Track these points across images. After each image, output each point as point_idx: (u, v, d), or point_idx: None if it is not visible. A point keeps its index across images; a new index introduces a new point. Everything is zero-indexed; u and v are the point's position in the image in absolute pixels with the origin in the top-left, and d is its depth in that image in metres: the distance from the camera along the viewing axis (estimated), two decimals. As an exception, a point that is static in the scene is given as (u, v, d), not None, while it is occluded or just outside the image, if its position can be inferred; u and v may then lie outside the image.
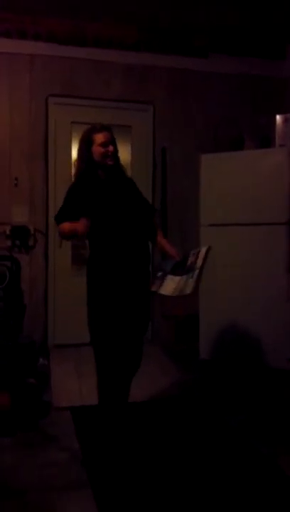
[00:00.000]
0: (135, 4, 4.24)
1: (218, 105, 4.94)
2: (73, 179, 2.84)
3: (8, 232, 4.49)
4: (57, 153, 4.71)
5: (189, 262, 2.64)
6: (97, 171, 2.71)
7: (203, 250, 2.64)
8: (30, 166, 4.60)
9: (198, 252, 2.65)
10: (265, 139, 4.29)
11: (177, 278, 2.62)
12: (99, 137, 2.69)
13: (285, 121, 4.13)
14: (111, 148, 2.70)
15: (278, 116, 4.13)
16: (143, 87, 4.83)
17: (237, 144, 4.49)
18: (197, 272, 2.56)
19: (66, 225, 2.62)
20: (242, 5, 4.20)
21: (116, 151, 2.75)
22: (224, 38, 4.89)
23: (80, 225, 2.50)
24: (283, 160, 3.95)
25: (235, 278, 4.07)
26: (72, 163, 4.77)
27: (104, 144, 2.68)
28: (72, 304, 4.52)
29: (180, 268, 2.66)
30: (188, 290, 2.52)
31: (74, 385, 3.69)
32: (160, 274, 2.72)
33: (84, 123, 4.85)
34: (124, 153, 4.17)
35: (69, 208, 2.67)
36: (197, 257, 2.62)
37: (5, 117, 4.54)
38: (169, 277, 2.66)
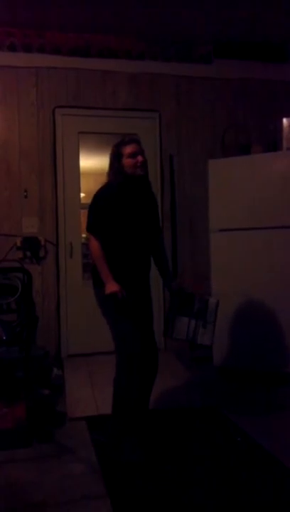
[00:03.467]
0: (138, 14, 4.26)
1: (224, 110, 4.94)
2: (102, 187, 2.88)
3: (19, 243, 4.52)
4: (66, 163, 4.74)
5: (196, 307, 2.87)
6: (128, 183, 2.78)
7: (213, 304, 2.88)
8: (39, 177, 4.62)
9: (206, 301, 2.89)
10: (272, 143, 4.29)
11: (185, 319, 2.85)
12: (128, 149, 2.77)
13: (292, 124, 4.13)
14: (140, 158, 2.77)
15: (285, 120, 4.13)
16: (149, 95, 4.85)
17: (244, 148, 4.49)
18: (211, 326, 2.84)
19: (102, 260, 2.73)
20: (244, 9, 4.20)
21: (145, 161, 2.81)
22: (228, 44, 4.90)
23: (115, 287, 2.66)
24: (291, 163, 3.94)
25: (246, 283, 4.05)
26: (82, 171, 4.82)
27: (133, 155, 2.76)
28: (84, 313, 4.53)
29: (187, 308, 2.88)
30: (208, 342, 2.87)
31: (88, 394, 3.68)
32: (170, 315, 2.91)
33: (91, 133, 4.93)
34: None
35: (101, 218, 2.76)
36: (206, 306, 2.86)
37: (14, 130, 4.58)
38: (178, 318, 2.87)
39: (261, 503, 2.26)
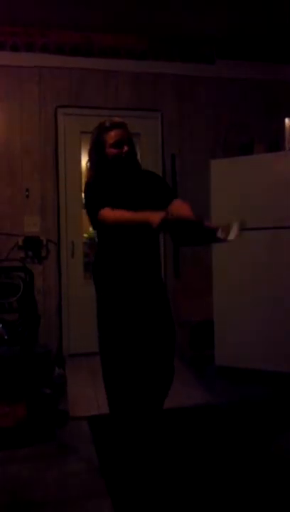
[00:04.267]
0: (140, 13, 4.26)
1: (227, 110, 4.94)
2: (87, 181, 2.52)
3: (20, 243, 4.52)
4: (67, 163, 4.75)
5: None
6: (112, 173, 2.40)
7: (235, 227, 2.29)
8: (41, 176, 4.63)
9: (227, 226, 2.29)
10: (274, 142, 4.28)
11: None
12: (111, 136, 2.36)
13: (294, 124, 4.12)
14: (125, 148, 2.37)
15: (287, 120, 4.12)
16: (151, 95, 4.85)
17: (246, 148, 4.48)
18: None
19: (123, 213, 2.23)
20: (247, 10, 4.20)
21: (131, 150, 2.41)
22: (231, 44, 4.90)
23: (156, 216, 2.07)
24: (293, 163, 3.93)
25: (248, 283, 4.04)
26: (84, 170, 4.80)
27: (117, 144, 2.36)
28: (85, 312, 4.51)
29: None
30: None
31: (90, 394, 3.68)
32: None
33: (93, 132, 4.93)
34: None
35: (103, 196, 2.34)
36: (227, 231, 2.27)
37: (16, 129, 4.59)
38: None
39: (262, 503, 2.26)
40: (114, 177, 2.41)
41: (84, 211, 4.73)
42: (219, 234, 2.22)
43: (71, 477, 2.53)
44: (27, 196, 4.58)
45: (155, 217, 2.07)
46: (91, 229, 5.41)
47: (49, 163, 4.66)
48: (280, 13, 4.24)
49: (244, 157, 4.30)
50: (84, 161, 4.76)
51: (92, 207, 2.36)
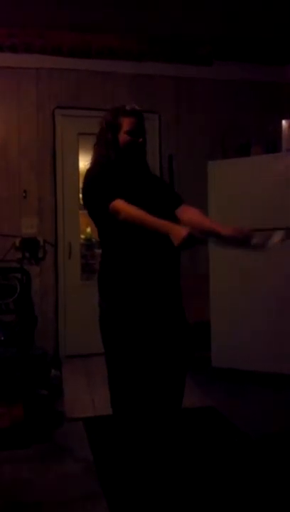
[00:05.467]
0: (138, 15, 4.27)
1: (224, 112, 4.95)
2: (92, 166, 2.23)
3: (18, 244, 4.52)
4: (65, 164, 4.75)
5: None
6: (125, 161, 2.17)
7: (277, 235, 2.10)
8: (38, 177, 4.63)
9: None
10: (271, 144, 4.29)
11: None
12: (129, 123, 2.16)
13: (291, 126, 4.13)
14: (140, 139, 2.18)
15: (284, 122, 4.13)
16: (149, 96, 4.85)
17: (243, 149, 4.49)
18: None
19: (142, 212, 1.96)
20: (244, 11, 4.21)
21: (145, 142, 2.22)
22: (228, 46, 4.91)
23: (179, 232, 1.86)
24: (290, 165, 3.94)
25: (246, 284, 4.05)
26: (81, 171, 4.81)
27: (132, 132, 2.16)
28: (82, 314, 4.53)
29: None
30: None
31: (86, 395, 3.68)
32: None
33: (91, 134, 4.89)
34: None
35: (116, 186, 2.08)
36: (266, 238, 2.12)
37: (13, 130, 4.59)
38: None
39: (260, 504, 2.26)
40: (127, 166, 2.18)
41: (81, 212, 4.80)
42: (255, 241, 2.05)
43: (67, 478, 2.52)
44: (24, 197, 4.57)
45: (178, 232, 1.86)
46: (88, 229, 5.44)
47: (46, 165, 4.66)
48: (277, 14, 4.25)
49: (241, 158, 4.30)
50: (82, 162, 4.83)
51: (101, 196, 2.06)
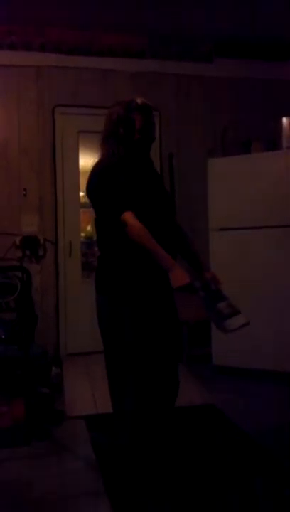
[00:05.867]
0: (139, 12, 4.26)
1: (225, 109, 4.94)
2: (105, 161, 2.21)
3: (18, 242, 4.52)
4: (65, 162, 4.74)
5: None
6: (137, 157, 2.19)
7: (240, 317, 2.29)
8: (38, 176, 4.62)
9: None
10: (272, 141, 4.29)
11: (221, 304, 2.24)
12: (141, 119, 2.18)
13: (292, 123, 4.13)
14: (154, 136, 2.24)
15: (284, 119, 4.12)
16: (149, 94, 4.81)
17: (244, 147, 4.49)
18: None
19: (150, 237, 2.00)
20: (245, 8, 4.20)
21: (155, 138, 2.26)
22: (229, 43, 4.89)
23: (180, 277, 1.97)
24: (291, 162, 3.94)
25: (245, 282, 4.04)
26: (81, 169, 4.81)
27: (145, 129, 2.20)
28: (83, 312, 4.52)
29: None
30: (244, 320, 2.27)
31: (87, 393, 3.68)
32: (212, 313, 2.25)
33: (91, 132, 4.90)
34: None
35: (126, 191, 2.08)
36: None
37: (13, 128, 4.58)
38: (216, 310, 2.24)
39: (259, 503, 2.26)
40: (137, 162, 2.21)
41: (82, 210, 4.79)
42: (222, 306, 2.21)
43: (69, 476, 2.53)
44: (24, 195, 4.57)
45: (179, 278, 1.97)
46: (89, 228, 5.44)
47: (47, 163, 4.65)
48: (279, 11, 4.24)
49: (242, 156, 4.30)
50: (82, 160, 4.82)
51: (115, 199, 2.07)
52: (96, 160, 2.28)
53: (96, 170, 2.20)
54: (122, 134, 2.15)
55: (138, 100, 2.20)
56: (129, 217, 2.02)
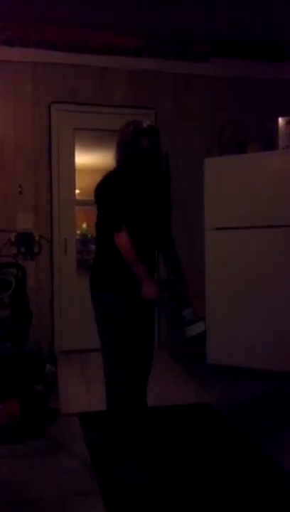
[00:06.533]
0: (135, 10, 4.25)
1: (221, 109, 4.94)
2: (115, 175, 2.44)
3: (13, 239, 4.50)
4: (61, 159, 4.73)
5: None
6: (142, 174, 2.42)
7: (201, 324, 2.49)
8: (34, 172, 4.61)
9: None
10: (268, 141, 4.29)
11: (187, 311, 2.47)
12: (147, 141, 2.38)
13: (288, 123, 4.13)
14: (158, 154, 2.45)
15: (280, 119, 4.13)
16: (146, 93, 4.84)
17: (240, 147, 4.49)
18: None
19: (138, 258, 2.31)
20: (243, 8, 4.20)
21: (161, 159, 2.51)
22: (226, 42, 4.89)
23: (155, 290, 2.32)
24: (287, 162, 3.95)
25: (241, 281, 4.06)
26: (77, 166, 4.80)
27: (149, 150, 2.39)
28: (77, 310, 4.52)
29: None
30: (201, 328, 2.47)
31: (81, 391, 3.68)
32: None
33: (87, 129, 4.92)
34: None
35: (124, 209, 2.33)
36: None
37: (9, 125, 4.56)
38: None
39: (254, 501, 2.27)
40: (142, 181, 2.43)
41: (77, 208, 4.79)
42: (186, 313, 2.44)
43: (63, 474, 2.52)
44: (20, 192, 4.55)
45: (149, 292, 2.31)
46: (84, 225, 5.44)
47: (42, 160, 4.64)
48: (276, 11, 4.24)
49: (238, 156, 4.31)
50: (78, 157, 4.81)
51: (114, 215, 2.33)
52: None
53: (108, 179, 2.42)
54: (129, 155, 2.39)
55: (145, 124, 2.42)
56: (121, 237, 2.31)
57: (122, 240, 2.30)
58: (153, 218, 2.45)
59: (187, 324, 2.43)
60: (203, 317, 2.58)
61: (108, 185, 2.39)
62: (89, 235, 5.33)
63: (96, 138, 5.10)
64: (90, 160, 5.37)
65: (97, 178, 2.60)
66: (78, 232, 5.15)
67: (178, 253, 2.67)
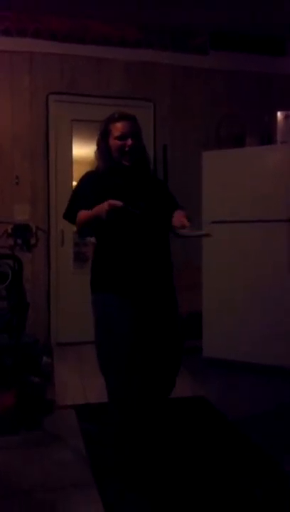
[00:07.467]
0: (135, 1, 4.22)
1: (219, 102, 4.92)
2: (83, 175, 2.41)
3: (10, 230, 4.49)
4: (58, 150, 4.71)
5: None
6: (114, 171, 2.31)
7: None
8: (31, 164, 4.59)
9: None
10: (266, 135, 4.29)
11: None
12: (117, 128, 2.27)
13: (286, 117, 4.12)
14: (129, 142, 2.26)
15: (279, 113, 4.12)
16: (144, 84, 4.82)
17: (238, 140, 4.48)
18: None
19: (83, 214, 2.21)
20: (242, 1, 4.18)
21: (137, 145, 2.29)
22: (225, 35, 4.87)
23: (103, 206, 2.06)
24: (285, 157, 3.94)
25: (238, 275, 4.06)
26: (75, 158, 4.78)
27: (121, 137, 2.26)
28: (74, 302, 4.53)
29: None
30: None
31: (77, 383, 3.69)
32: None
33: (84, 120, 4.89)
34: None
35: (80, 201, 2.27)
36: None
37: (6, 115, 4.53)
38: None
39: (247, 495, 2.29)
40: (114, 173, 2.31)
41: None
42: (182, 231, 2.25)
43: (58, 466, 2.53)
44: (17, 184, 4.54)
45: (100, 209, 2.08)
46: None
47: (40, 151, 4.62)
48: (276, 4, 4.22)
49: (236, 149, 4.30)
50: (76, 149, 4.79)
51: (73, 204, 2.33)
52: (90, 150, 2.49)
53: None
54: (104, 149, 2.31)
55: (116, 113, 2.33)
56: (78, 216, 2.24)
57: (77, 218, 2.25)
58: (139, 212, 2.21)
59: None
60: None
61: (78, 182, 2.39)
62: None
63: (94, 129, 5.06)
64: (88, 151, 5.32)
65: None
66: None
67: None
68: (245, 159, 4.08)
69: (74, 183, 4.85)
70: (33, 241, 4.58)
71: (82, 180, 2.37)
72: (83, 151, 5.20)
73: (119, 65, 4.76)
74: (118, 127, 2.27)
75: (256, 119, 4.59)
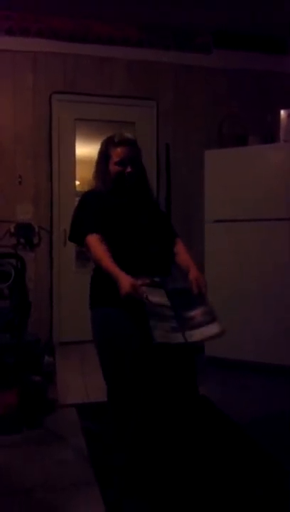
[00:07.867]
0: (137, 2, 4.21)
1: (222, 101, 4.91)
2: (86, 193, 2.37)
3: (12, 229, 4.49)
4: (61, 150, 4.71)
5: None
6: (117, 192, 2.27)
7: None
8: (34, 163, 4.59)
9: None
10: (269, 134, 4.28)
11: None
12: (117, 153, 2.23)
13: (289, 116, 4.11)
14: (129, 169, 2.23)
15: (282, 112, 4.11)
16: (147, 83, 4.81)
17: (241, 139, 4.47)
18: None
19: (100, 251, 2.10)
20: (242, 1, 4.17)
21: (137, 170, 2.27)
22: (228, 34, 4.86)
23: (129, 285, 1.96)
24: (288, 155, 3.93)
25: (240, 273, 4.06)
26: (78, 158, 4.77)
27: (120, 163, 2.23)
28: (76, 301, 4.51)
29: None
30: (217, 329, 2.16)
31: (79, 382, 3.69)
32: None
33: (88, 120, 4.89)
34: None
35: (88, 224, 2.20)
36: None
37: (9, 115, 4.53)
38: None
39: (248, 495, 2.28)
40: (115, 195, 2.28)
41: (77, 199, 4.76)
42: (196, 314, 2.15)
43: (59, 465, 2.53)
44: (20, 183, 4.54)
45: (122, 287, 1.96)
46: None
47: (42, 151, 4.62)
48: (278, 3, 4.20)
49: (238, 148, 4.29)
50: (79, 148, 4.79)
51: (80, 224, 2.24)
52: (93, 149, 2.39)
53: (78, 200, 2.34)
54: (103, 170, 2.28)
55: (116, 137, 2.27)
56: (91, 240, 2.15)
57: (92, 243, 2.14)
58: (136, 233, 2.23)
59: (191, 327, 2.11)
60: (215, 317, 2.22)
61: (77, 209, 2.30)
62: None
63: (97, 129, 5.08)
64: (91, 151, 5.31)
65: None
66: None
67: (187, 251, 2.49)
68: (248, 158, 4.08)
69: (78, 183, 4.88)
70: (35, 240, 4.58)
71: (86, 201, 2.30)
72: (86, 150, 5.19)
73: (122, 65, 4.75)
74: (118, 153, 2.24)
75: (259, 118, 4.58)
